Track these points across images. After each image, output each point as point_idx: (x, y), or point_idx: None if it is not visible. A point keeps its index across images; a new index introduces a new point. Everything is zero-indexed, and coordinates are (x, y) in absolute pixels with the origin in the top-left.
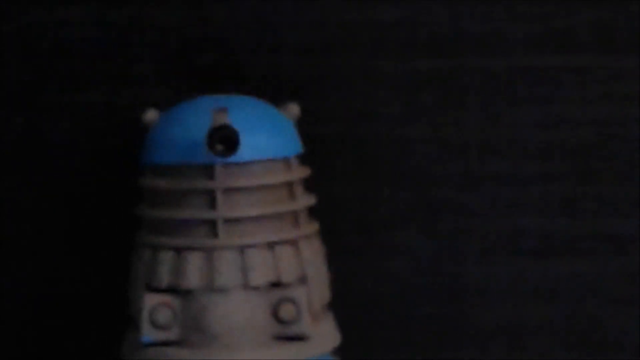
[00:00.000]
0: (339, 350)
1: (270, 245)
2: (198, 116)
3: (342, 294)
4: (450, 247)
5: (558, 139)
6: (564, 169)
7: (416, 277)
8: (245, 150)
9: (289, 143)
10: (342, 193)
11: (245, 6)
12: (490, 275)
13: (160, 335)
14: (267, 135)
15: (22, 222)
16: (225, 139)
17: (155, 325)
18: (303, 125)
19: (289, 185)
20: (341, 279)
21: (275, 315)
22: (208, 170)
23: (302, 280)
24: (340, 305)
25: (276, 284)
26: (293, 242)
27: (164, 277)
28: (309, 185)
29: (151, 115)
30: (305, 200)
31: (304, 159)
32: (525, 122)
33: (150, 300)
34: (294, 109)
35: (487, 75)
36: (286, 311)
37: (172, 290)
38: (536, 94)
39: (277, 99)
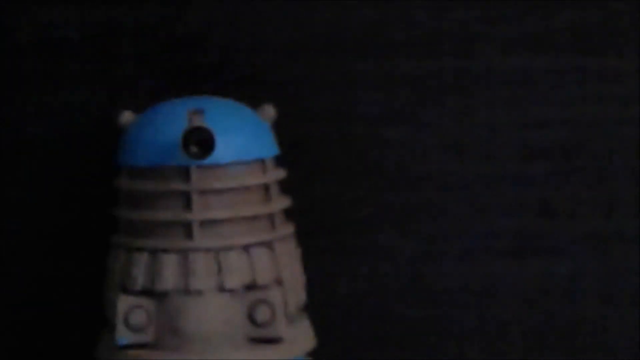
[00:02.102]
0: (314, 353)
1: (246, 248)
2: (174, 118)
3: (319, 296)
4: (429, 248)
5: (536, 140)
6: (542, 170)
7: (394, 278)
8: (221, 152)
9: (265, 145)
10: (319, 194)
11: (223, 7)
12: (469, 276)
13: (136, 338)
14: (242, 137)
15: None
16: (200, 141)
17: (130, 327)
18: (280, 127)
19: (265, 187)
20: (317, 281)
21: (251, 317)
22: (183, 172)
23: (278, 282)
24: (317, 307)
25: (251, 286)
26: (268, 244)
27: (139, 279)
28: (285, 186)
29: (127, 117)
30: (281, 202)
31: (280, 161)
32: (503, 123)
33: (125, 302)
34: (270, 110)
35: (466, 76)
36: (261, 313)
37: (147, 292)
38: (514, 95)
39: (254, 100)
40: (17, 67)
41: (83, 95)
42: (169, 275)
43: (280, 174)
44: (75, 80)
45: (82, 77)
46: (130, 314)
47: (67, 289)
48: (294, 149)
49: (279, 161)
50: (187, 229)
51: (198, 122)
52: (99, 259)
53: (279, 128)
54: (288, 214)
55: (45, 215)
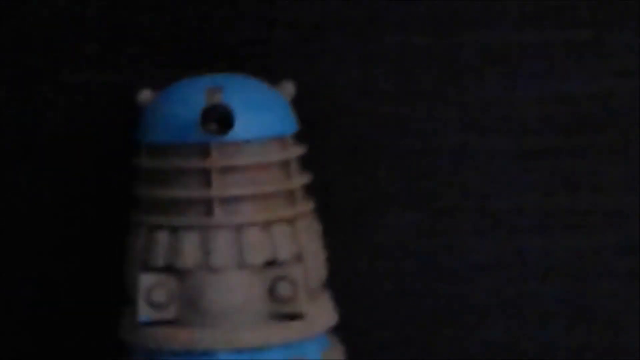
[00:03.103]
0: (335, 329)
1: (266, 224)
2: (193, 95)
3: (339, 273)
4: (449, 225)
5: (556, 115)
6: (562, 145)
7: (413, 254)
8: (241, 129)
9: (285, 122)
10: (338, 171)
11: None
12: (488, 252)
13: (157, 315)
14: (262, 114)
15: (17, 204)
16: (219, 118)
17: (151, 304)
18: (299, 104)
19: (285, 164)
20: (338, 258)
21: (272, 293)
22: (203, 150)
23: (298, 258)
24: (337, 283)
25: (272, 263)
26: (289, 221)
27: (160, 257)
28: (304, 163)
29: (146, 95)
30: (301, 178)
31: (299, 138)
32: (522, 98)
33: (147, 279)
34: (289, 87)
35: (484, 51)
36: (282, 289)
37: (168, 269)
38: (533, 70)
39: (274, 76)
40: (33, 49)
41: (101, 74)
42: (190, 253)
43: (300, 150)
44: (94, 59)
45: (101, 56)
46: (152, 291)
47: (89, 268)
48: (313, 126)
49: (299, 138)
50: (207, 206)
51: (217, 99)
52: (120, 238)
53: (299, 105)
54: (308, 190)
55: (66, 196)
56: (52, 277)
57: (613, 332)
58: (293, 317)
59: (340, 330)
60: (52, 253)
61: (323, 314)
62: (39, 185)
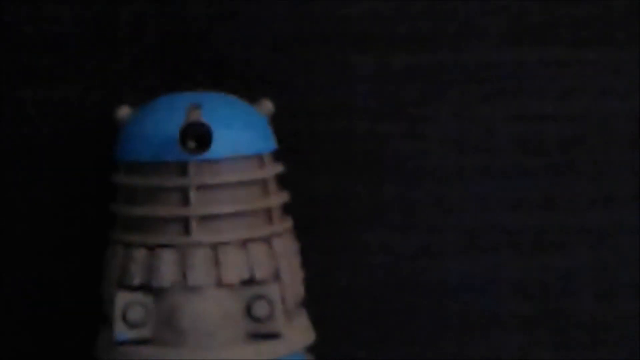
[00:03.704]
0: (313, 348)
1: (244, 243)
2: (171, 113)
3: (317, 291)
4: (428, 243)
5: (534, 133)
6: (541, 163)
7: (393, 273)
8: (219, 147)
9: (263, 140)
10: (317, 189)
11: (221, 2)
12: (468, 271)
13: (134, 333)
14: (240, 132)
15: None
16: (198, 136)
17: (128, 323)
18: (277, 122)
19: (263, 182)
20: (316, 276)
21: (249, 312)
22: (181, 168)
23: (276, 277)
24: (315, 302)
25: (249, 282)
26: (266, 239)
27: (137, 275)
28: (284, 181)
29: (124, 111)
30: (279, 197)
31: (278, 155)
32: (502, 117)
33: (123, 298)
34: (268, 105)
35: (464, 70)
36: (260, 308)
37: (145, 288)
38: (513, 89)
39: (252, 94)
40: (15, 63)
41: (80, 91)
42: (167, 271)
43: (278, 168)
44: (73, 75)
45: (80, 72)
46: (129, 309)
47: (65, 286)
48: (292, 144)
49: (277, 156)
50: (185, 225)
51: (196, 117)
52: (97, 255)
53: (277, 123)
54: (286, 209)
55: (43, 212)
56: (28, 296)
57: (591, 350)
58: (270, 336)
59: (318, 350)
60: (28, 271)
61: (300, 333)
62: (15, 202)
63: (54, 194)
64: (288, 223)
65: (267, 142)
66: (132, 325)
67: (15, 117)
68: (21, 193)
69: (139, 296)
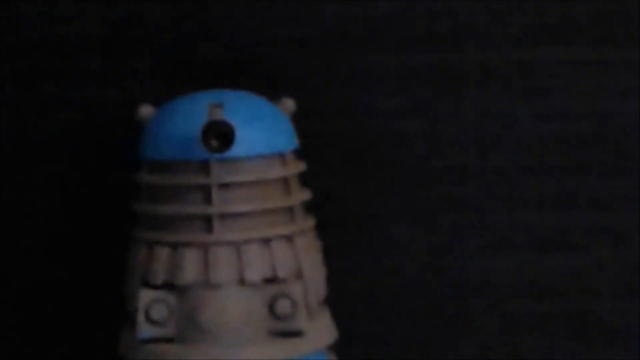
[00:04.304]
0: (335, 346)
1: (266, 241)
2: (193, 112)
3: (339, 290)
4: (448, 242)
5: (555, 132)
6: (560, 162)
7: (413, 272)
8: (241, 146)
9: (285, 138)
10: (338, 188)
11: (242, 2)
12: (489, 270)
13: (157, 332)
14: (262, 131)
15: (17, 218)
16: (220, 135)
17: (151, 321)
18: (299, 121)
19: (285, 180)
20: (338, 275)
21: (271, 310)
22: (204, 166)
23: (298, 275)
24: (338, 300)
25: (272, 280)
26: (288, 238)
27: (160, 273)
28: (305, 180)
29: (146, 110)
30: (301, 195)
31: (300, 154)
32: (521, 115)
33: (146, 296)
34: (290, 104)
35: (484, 68)
36: (282, 307)
37: (168, 286)
38: (533, 87)
39: (274, 93)
40: (34, 63)
41: (103, 90)
42: (190, 269)
43: (300, 167)
44: (95, 75)
45: (100, 72)
46: (152, 308)
47: (87, 284)
48: (313, 142)
49: (299, 154)
50: (207, 223)
51: (218, 115)
52: (120, 254)
53: (299, 121)
54: (308, 207)
55: (66, 211)
56: (51, 295)
57: (612, 349)
58: (292, 334)
59: (340, 348)
60: (51, 270)
61: (322, 331)
62: (38, 202)
63: (76, 194)
64: (310, 221)
65: (289, 141)
66: (155, 323)
67: (39, 116)
68: (44, 192)
69: (162, 294)
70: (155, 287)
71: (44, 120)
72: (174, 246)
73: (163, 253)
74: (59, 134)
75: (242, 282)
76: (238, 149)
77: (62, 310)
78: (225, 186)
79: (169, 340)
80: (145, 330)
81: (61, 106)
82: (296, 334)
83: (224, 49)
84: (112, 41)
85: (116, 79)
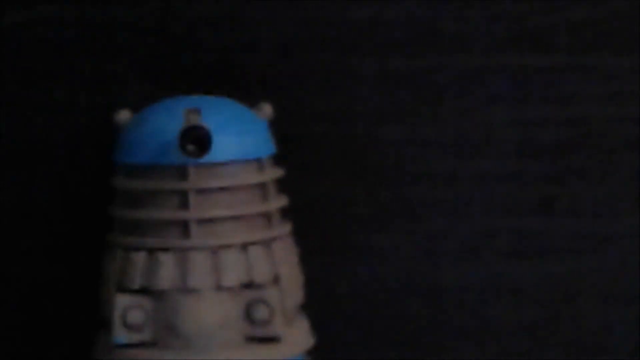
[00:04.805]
0: (312, 352)
1: (243, 246)
2: (170, 117)
3: (317, 295)
4: (427, 248)
5: (534, 138)
6: (541, 168)
7: (392, 278)
8: (218, 151)
9: (262, 144)
10: (317, 193)
11: (220, 5)
12: (468, 276)
13: (133, 337)
14: (239, 136)
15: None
16: (197, 140)
17: (127, 326)
18: (277, 126)
19: (262, 186)
20: (316, 281)
21: (248, 316)
22: (181, 171)
23: (275, 281)
24: (315, 306)
25: (248, 285)
26: (266, 243)
27: (136, 278)
28: (283, 185)
29: (123, 115)
30: (278, 201)
31: (278, 159)
32: (501, 121)
33: (123, 301)
34: (267, 109)
35: (464, 74)
36: (259, 312)
37: (144, 291)
38: (512, 93)
39: (251, 98)
40: (12, 66)
41: (79, 94)
42: (167, 274)
43: (278, 172)
44: (71, 79)
45: (78, 76)
46: (128, 313)
47: (63, 289)
48: (291, 148)
49: (277, 160)
50: (184, 228)
51: (195, 120)
52: (95, 259)
53: (277, 127)
54: (285, 213)
55: (41, 214)
56: (25, 299)
57: (594, 355)
58: (269, 340)
59: (317, 354)
60: (26, 274)
61: (299, 336)
62: (14, 205)
63: (52, 197)
64: (287, 227)
65: (267, 146)
66: (131, 329)
67: (14, 119)
68: (19, 195)
69: (138, 299)
70: (132, 292)
71: (22, 123)
72: (151, 251)
73: (140, 258)
74: (35, 138)
75: (218, 287)
76: (215, 154)
77: (38, 314)
78: (202, 191)
79: (145, 345)
80: (121, 335)
81: (38, 110)
82: (273, 339)
83: (201, 54)
84: (91, 45)
85: (95, 84)
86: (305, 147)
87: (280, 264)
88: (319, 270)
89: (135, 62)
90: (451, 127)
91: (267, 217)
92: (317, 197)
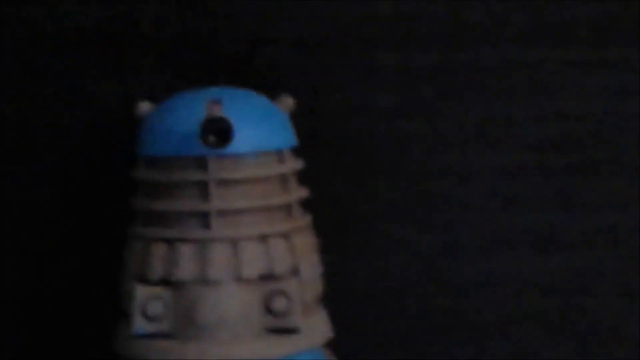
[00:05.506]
0: (331, 344)
1: (263, 238)
2: (191, 108)
3: (336, 288)
4: (447, 242)
5: (554, 132)
6: (560, 162)
7: (411, 271)
8: (239, 143)
9: (283, 135)
10: (337, 186)
11: (242, 0)
12: (487, 270)
13: (152, 327)
14: (260, 128)
15: (14, 214)
16: (218, 131)
17: (147, 317)
18: (298, 119)
19: (282, 177)
20: (335, 273)
21: (267, 307)
22: (201, 162)
23: (294, 272)
24: (333, 299)
25: (268, 276)
26: (285, 235)
27: (157, 269)
28: (303, 178)
29: (144, 107)
30: (299, 192)
31: (299, 152)
32: (522, 116)
33: (142, 292)
34: (289, 101)
35: (484, 68)
36: (278, 304)
37: (164, 282)
38: (533, 87)
39: (273, 90)
40: (34, 59)
41: (100, 86)
42: (187, 265)
43: (298, 164)
44: (93, 71)
45: (100, 68)
46: (148, 304)
47: (84, 280)
48: (312, 141)
49: (297, 152)
50: (204, 219)
51: (216, 112)
52: (116, 250)
53: (298, 119)
54: (306, 205)
55: (63, 207)
56: (47, 291)
57: (610, 349)
58: (288, 331)
59: (336, 346)
60: (47, 266)
61: (318, 328)
62: (36, 197)
63: (74, 189)
64: (307, 219)
65: (287, 138)
66: (151, 319)
67: (35, 112)
68: (40, 188)
69: (158, 290)
70: (152, 283)
71: (43, 116)
72: (171, 242)
73: (160, 249)
74: (57, 130)
75: (238, 278)
76: (236, 146)
77: (58, 306)
78: (222, 182)
79: (164, 336)
80: (140, 326)
81: (59, 102)
82: (292, 331)
83: (223, 47)
84: (111, 38)
85: (115, 76)
86: (326, 141)
87: (299, 256)
88: (338, 263)
89: (156, 55)
90: (471, 121)
91: (287, 208)
92: (337, 190)
